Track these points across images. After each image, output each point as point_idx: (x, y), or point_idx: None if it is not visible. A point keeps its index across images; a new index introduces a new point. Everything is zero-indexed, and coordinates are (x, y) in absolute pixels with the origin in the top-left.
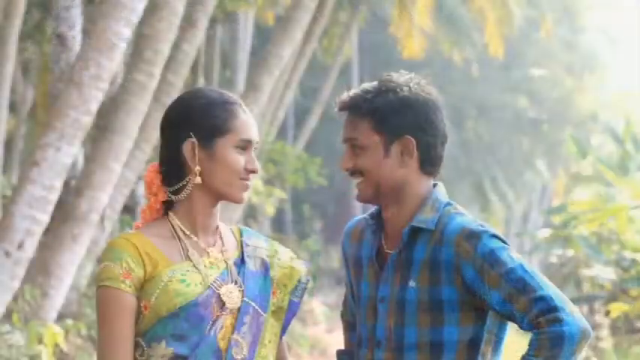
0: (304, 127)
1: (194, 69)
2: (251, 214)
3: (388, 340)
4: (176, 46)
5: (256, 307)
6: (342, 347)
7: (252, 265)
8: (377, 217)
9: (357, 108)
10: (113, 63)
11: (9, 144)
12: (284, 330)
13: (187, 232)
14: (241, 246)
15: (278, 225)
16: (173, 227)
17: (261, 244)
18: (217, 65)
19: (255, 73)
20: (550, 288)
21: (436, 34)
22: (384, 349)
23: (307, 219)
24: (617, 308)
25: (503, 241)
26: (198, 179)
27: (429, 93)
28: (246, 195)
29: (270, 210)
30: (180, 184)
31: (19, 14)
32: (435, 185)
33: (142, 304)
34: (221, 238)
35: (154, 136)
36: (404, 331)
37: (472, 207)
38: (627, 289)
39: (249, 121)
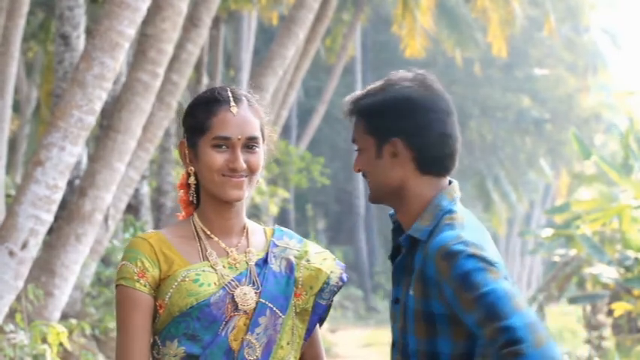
0: (308, 126)
1: (198, 69)
2: (255, 214)
3: (399, 343)
4: (180, 46)
5: (274, 309)
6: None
7: (276, 266)
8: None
9: (352, 110)
10: (117, 63)
11: (13, 143)
12: (309, 332)
13: (208, 233)
14: (268, 246)
15: (281, 224)
16: (195, 227)
17: (292, 244)
18: (221, 65)
19: (259, 72)
20: (520, 316)
21: (439, 34)
22: (397, 350)
23: (310, 218)
24: (620, 307)
25: (485, 260)
26: (192, 179)
27: (426, 92)
28: (238, 193)
29: (273, 209)
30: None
31: (23, 14)
32: (448, 185)
33: (157, 303)
34: (247, 238)
35: (158, 135)
36: (408, 338)
37: (475, 207)
38: (630, 289)
39: (231, 119)
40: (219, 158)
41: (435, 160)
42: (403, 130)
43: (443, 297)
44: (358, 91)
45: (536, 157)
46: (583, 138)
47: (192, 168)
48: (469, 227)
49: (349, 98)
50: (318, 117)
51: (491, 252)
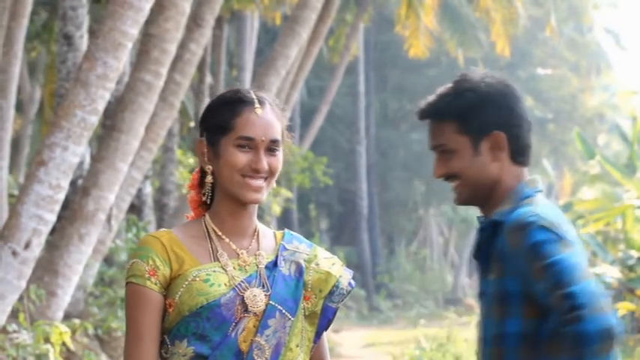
0: (310, 126)
1: (201, 68)
2: (258, 214)
3: (480, 335)
4: (183, 46)
5: (284, 311)
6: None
7: (285, 269)
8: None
9: (438, 114)
10: (120, 62)
11: (16, 143)
12: (318, 335)
13: (219, 233)
14: (278, 249)
15: (284, 225)
16: (206, 228)
17: (302, 248)
18: (224, 65)
19: (262, 72)
20: (584, 285)
21: (442, 34)
22: (480, 342)
23: (313, 218)
24: (623, 307)
25: (556, 233)
26: (209, 178)
27: (506, 85)
28: (257, 195)
29: (276, 209)
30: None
31: (26, 14)
32: (526, 177)
33: (167, 302)
34: (257, 241)
35: (161, 135)
36: (485, 324)
37: None
38: (633, 289)
39: (256, 120)
40: (242, 158)
41: (525, 148)
42: (503, 122)
43: (516, 270)
44: (432, 97)
45: (539, 157)
46: (586, 138)
47: (211, 167)
48: (546, 207)
49: (429, 103)
50: (321, 117)
51: (566, 230)
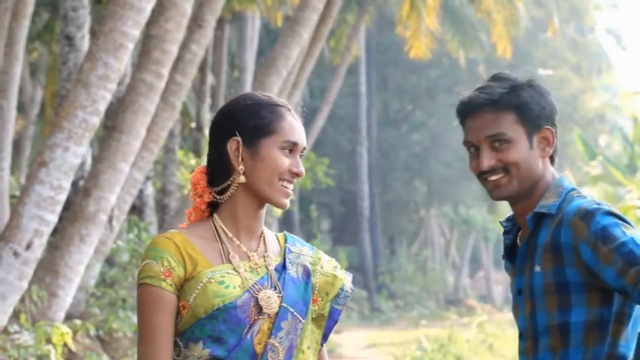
0: (312, 127)
1: (202, 69)
2: None
3: (527, 330)
4: (184, 47)
5: (295, 313)
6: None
7: (293, 272)
8: (513, 219)
9: (498, 102)
10: (121, 63)
11: (17, 144)
12: (325, 337)
13: (230, 235)
14: (284, 252)
15: (286, 225)
16: (216, 229)
17: (305, 251)
18: (225, 65)
19: (263, 73)
20: None
21: (443, 35)
22: (525, 338)
23: (315, 219)
24: None
25: (619, 217)
26: (242, 178)
27: (545, 87)
28: (287, 201)
29: (277, 210)
30: (225, 184)
31: (28, 15)
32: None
33: (180, 304)
34: (264, 243)
35: (162, 136)
36: (536, 317)
37: (480, 207)
38: None
39: (297, 125)
40: (286, 161)
41: (556, 148)
42: (552, 119)
43: (579, 260)
44: (484, 88)
45: None
46: (587, 139)
47: (243, 167)
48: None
49: (487, 93)
50: (322, 117)
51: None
